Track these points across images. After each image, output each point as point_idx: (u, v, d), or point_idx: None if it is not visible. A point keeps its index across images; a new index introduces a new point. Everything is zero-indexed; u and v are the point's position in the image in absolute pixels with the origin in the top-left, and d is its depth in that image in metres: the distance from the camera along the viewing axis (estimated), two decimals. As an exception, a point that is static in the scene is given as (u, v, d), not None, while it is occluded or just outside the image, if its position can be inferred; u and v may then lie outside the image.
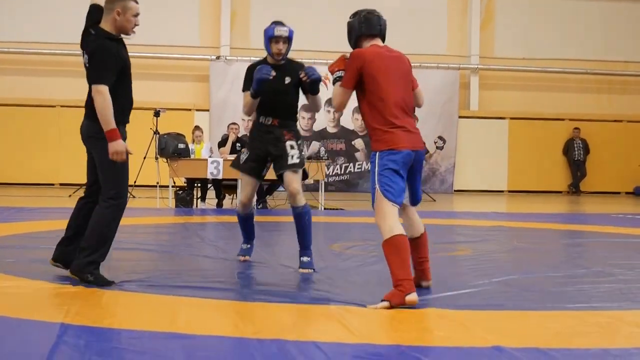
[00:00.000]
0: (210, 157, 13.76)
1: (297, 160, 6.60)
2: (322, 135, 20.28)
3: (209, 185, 14.21)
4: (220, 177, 13.27)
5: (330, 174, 20.10)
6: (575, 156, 21.53)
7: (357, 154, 20.57)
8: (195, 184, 13.81)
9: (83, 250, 5.52)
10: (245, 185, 6.84)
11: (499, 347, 4.03)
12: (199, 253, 7.59)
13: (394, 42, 21.79)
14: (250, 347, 4.00)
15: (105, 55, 5.42)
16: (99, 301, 5.10)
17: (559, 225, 11.72)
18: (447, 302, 5.25)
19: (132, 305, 5.07)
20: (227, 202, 14.46)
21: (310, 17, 20.26)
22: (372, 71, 5.31)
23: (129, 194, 13.90)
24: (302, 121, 19.89)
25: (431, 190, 19.77)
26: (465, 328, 4.56)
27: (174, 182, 14.08)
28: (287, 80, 6.64)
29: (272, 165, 6.76)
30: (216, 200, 14.03)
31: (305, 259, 6.55)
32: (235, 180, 13.35)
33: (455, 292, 5.62)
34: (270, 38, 6.58)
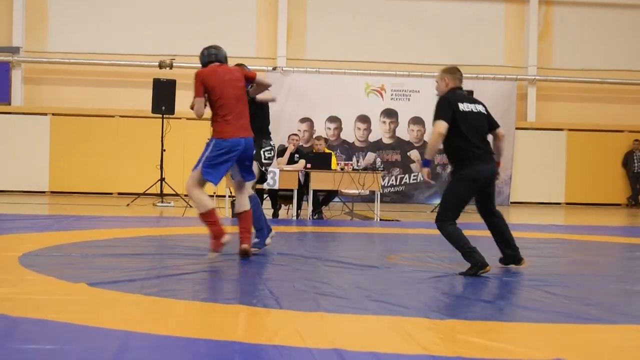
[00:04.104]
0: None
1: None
2: (377, 146, 20.24)
3: (265, 196, 14.26)
4: (276, 187, 13.31)
5: (386, 185, 20.06)
6: (635, 168, 21.18)
7: (413, 165, 20.47)
8: (252, 194, 13.84)
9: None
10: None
11: (561, 361, 3.99)
12: (257, 262, 7.62)
13: (452, 53, 21.57)
14: (307, 356, 4.01)
15: None
16: (157, 308, 5.16)
17: (619, 238, 11.53)
18: (507, 315, 5.22)
19: (193, 313, 5.12)
20: (283, 212, 14.50)
21: (364, 27, 20.30)
22: (210, 82, 7.57)
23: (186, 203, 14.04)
24: (357, 132, 19.89)
25: (487, 202, 19.57)
26: (526, 341, 4.52)
27: (231, 192, 14.16)
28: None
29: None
30: (272, 210, 14.08)
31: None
32: (291, 190, 13.40)
33: (515, 305, 5.58)
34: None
